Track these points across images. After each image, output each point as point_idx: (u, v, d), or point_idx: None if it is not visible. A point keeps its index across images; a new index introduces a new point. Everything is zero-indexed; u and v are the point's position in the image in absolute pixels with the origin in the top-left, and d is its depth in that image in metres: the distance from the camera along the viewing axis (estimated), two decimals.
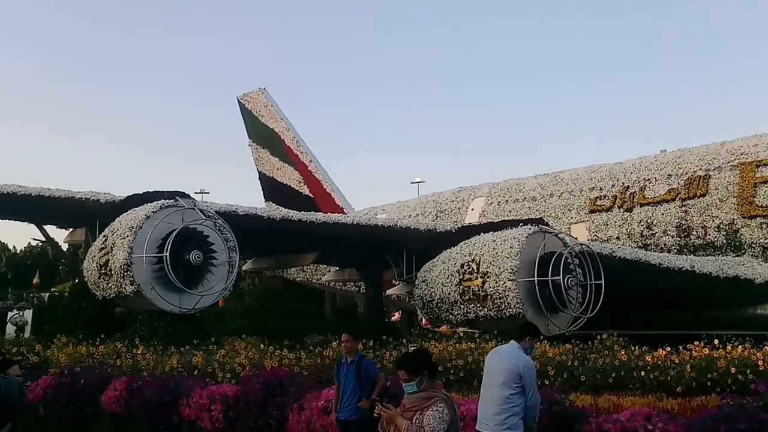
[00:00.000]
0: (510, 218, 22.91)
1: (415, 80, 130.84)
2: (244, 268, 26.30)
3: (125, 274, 16.13)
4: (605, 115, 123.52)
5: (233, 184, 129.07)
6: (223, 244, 17.24)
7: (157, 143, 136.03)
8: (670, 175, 23.57)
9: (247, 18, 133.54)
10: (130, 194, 18.48)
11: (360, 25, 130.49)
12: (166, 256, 16.18)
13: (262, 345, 15.88)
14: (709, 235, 21.93)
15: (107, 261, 16.68)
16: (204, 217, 17.19)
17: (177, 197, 17.52)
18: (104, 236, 17.25)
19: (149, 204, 17.08)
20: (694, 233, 22.26)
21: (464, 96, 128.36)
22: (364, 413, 7.71)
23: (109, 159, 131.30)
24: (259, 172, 39.70)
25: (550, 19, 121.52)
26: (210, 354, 13.83)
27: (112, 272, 16.49)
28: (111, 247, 16.68)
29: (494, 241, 17.97)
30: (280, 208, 28.63)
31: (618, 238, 23.71)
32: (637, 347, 13.49)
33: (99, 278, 17.03)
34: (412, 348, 6.77)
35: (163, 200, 17.20)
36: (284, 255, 24.60)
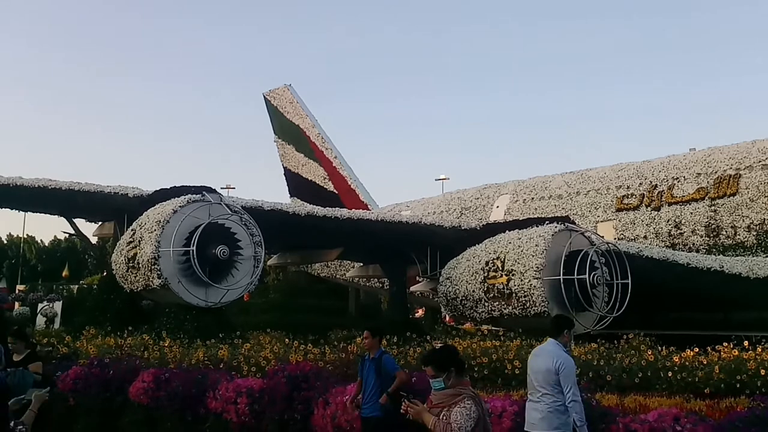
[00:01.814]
0: (536, 216, 22.76)
1: (441, 77, 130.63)
2: (269, 263, 26.46)
3: (153, 267, 16.32)
4: (633, 113, 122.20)
5: (259, 179, 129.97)
6: (249, 239, 17.37)
7: (184, 138, 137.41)
8: (699, 173, 23.25)
9: (274, 14, 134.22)
10: (158, 189, 18.69)
11: (385, 22, 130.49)
12: (192, 250, 16.34)
13: (286, 339, 15.98)
14: (739, 235, 21.60)
15: (135, 254, 16.88)
16: (230, 212, 17.33)
17: (204, 192, 17.68)
18: (132, 230, 17.47)
19: (176, 198, 17.26)
20: (724, 233, 21.94)
21: (490, 93, 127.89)
22: (386, 409, 7.72)
23: (137, 154, 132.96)
24: (285, 168, 39.88)
25: (577, 19, 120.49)
26: (235, 348, 13.94)
27: (140, 266, 16.69)
28: (139, 241, 16.88)
29: (519, 239, 17.88)
30: (305, 203, 28.74)
31: (645, 237, 23.45)
32: (664, 347, 13.36)
33: (127, 271, 17.25)
34: (439, 345, 6.75)
35: (190, 195, 17.37)
36: (309, 250, 24.70)
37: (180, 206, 16.84)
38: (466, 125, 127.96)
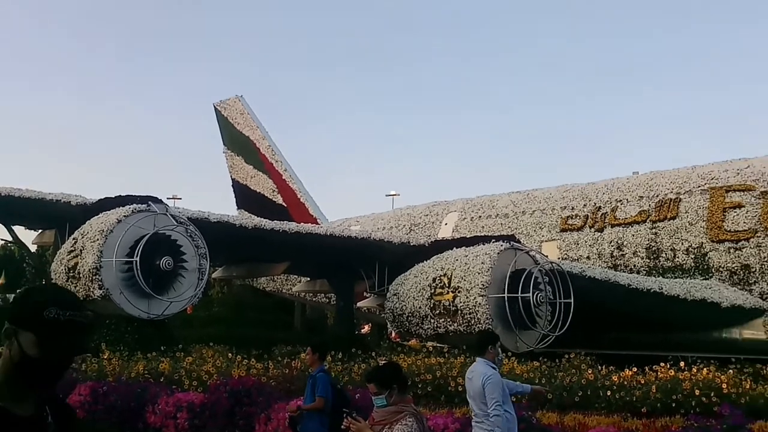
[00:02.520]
0: (483, 234, 23.04)
1: (393, 93, 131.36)
2: (214, 275, 26.08)
3: (94, 277, 15.92)
4: (580, 135, 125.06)
5: (206, 190, 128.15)
6: (194, 251, 17.10)
7: (130, 147, 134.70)
8: (641, 197, 23.91)
9: (225, 25, 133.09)
10: (102, 197, 18.27)
11: (338, 37, 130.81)
12: (136, 261, 16.00)
13: (230, 353, 15.77)
14: (678, 257, 22.26)
15: (76, 264, 16.45)
16: (176, 223, 17.05)
17: (149, 202, 17.35)
18: (74, 239, 17.02)
19: (121, 208, 16.90)
20: (664, 255, 22.58)
21: (443, 110, 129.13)
22: (295, 419, 7.75)
23: (80, 162, 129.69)
24: (233, 180, 39.47)
25: (526, 36, 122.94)
26: (177, 361, 13.69)
27: (81, 275, 16.26)
28: (80, 250, 16.46)
29: (466, 256, 18.06)
30: (253, 216, 28.46)
31: (588, 257, 23.95)
32: (604, 367, 13.63)
33: (67, 281, 16.77)
34: (383, 361, 6.76)
35: (135, 205, 17.03)
36: (255, 264, 24.44)
37: (124, 216, 16.50)
38: (418, 141, 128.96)
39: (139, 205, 17.04)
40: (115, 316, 17.10)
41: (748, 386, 12.26)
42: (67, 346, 2.12)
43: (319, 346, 8.29)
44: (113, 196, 18.06)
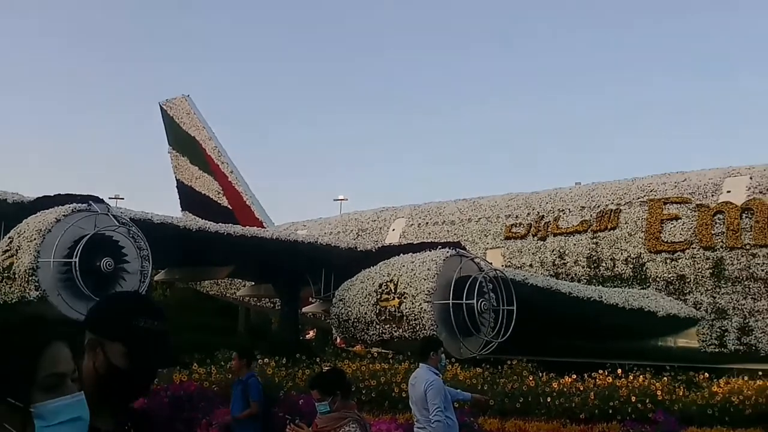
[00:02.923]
0: (429, 240, 23.21)
1: (341, 96, 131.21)
2: (156, 278, 25.57)
3: (30, 278, 15.42)
4: (524, 144, 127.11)
5: (150, 191, 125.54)
6: (136, 253, 16.74)
7: (69, 145, 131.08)
8: (583, 207, 24.48)
9: (173, 25, 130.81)
10: (41, 196, 17.74)
11: (288, 41, 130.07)
12: (75, 262, 15.57)
13: None
14: (617, 267, 22.85)
15: (11, 264, 15.91)
16: (117, 224, 16.66)
17: (90, 202, 16.92)
18: (9, 238, 16.47)
19: (60, 207, 16.42)
20: (604, 265, 23.15)
21: (392, 114, 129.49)
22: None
23: (18, 159, 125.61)
24: (178, 181, 38.80)
25: (475, 42, 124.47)
26: None
27: (16, 276, 15.74)
28: (16, 250, 15.93)
29: (413, 262, 18.17)
30: (197, 218, 28.01)
31: (531, 265, 24.37)
32: (544, 373, 13.88)
33: (1, 282, 16.23)
34: (326, 367, 6.76)
35: (75, 204, 16.57)
36: (199, 267, 24.06)
37: (64, 215, 16.04)
38: (367, 146, 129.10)
39: (80, 205, 16.60)
40: (53, 319, 16.57)
41: (681, 393, 12.66)
42: (157, 357, 2.04)
43: (246, 352, 8.26)
44: (52, 195, 17.55)
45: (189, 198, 37.87)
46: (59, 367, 1.69)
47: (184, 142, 38.19)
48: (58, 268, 15.65)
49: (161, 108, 39.23)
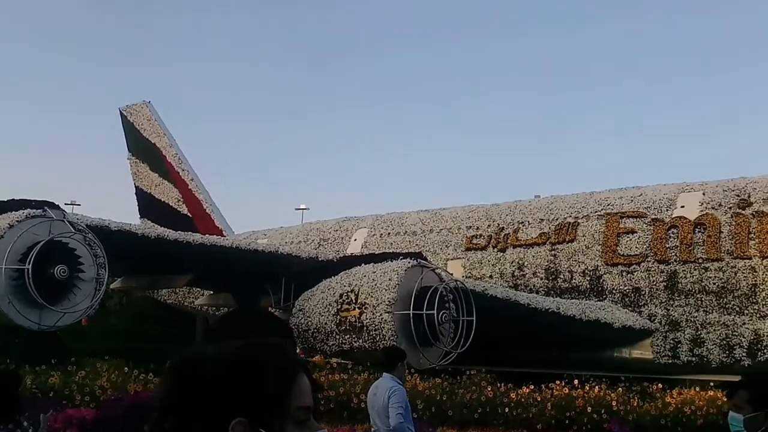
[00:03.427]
0: (391, 251, 23.26)
1: (302, 106, 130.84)
2: (112, 286, 25.10)
3: None
4: (488, 157, 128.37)
5: (108, 197, 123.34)
6: (92, 260, 16.44)
7: (26, 150, 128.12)
8: (542, 219, 24.81)
9: (134, 29, 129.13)
10: None
11: (247, 49, 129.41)
12: (28, 268, 15.22)
13: (126, 368, 15.20)
14: (575, 279, 23.20)
15: None
16: (73, 231, 16.36)
17: (45, 207, 16.59)
18: None
19: (14, 212, 16.06)
20: (562, 277, 23.47)
21: (356, 125, 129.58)
22: None
23: None
24: (137, 187, 38.22)
25: (434, 47, 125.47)
26: (69, 375, 13.07)
27: None
28: None
29: (374, 272, 18.17)
30: (156, 226, 27.64)
31: (491, 276, 24.58)
32: (503, 384, 13.98)
33: None
34: None
35: (29, 210, 16.24)
36: (157, 275, 23.70)
37: (17, 221, 15.69)
38: (329, 155, 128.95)
39: (35, 211, 16.27)
40: (3, 326, 16.16)
41: (635, 404, 12.88)
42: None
43: None
44: (5, 200, 17.16)
45: (148, 205, 37.34)
46: (305, 401, 1.53)
47: (144, 149, 37.68)
48: (10, 274, 15.30)
49: (121, 113, 38.66)
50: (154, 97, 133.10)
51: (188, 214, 35.98)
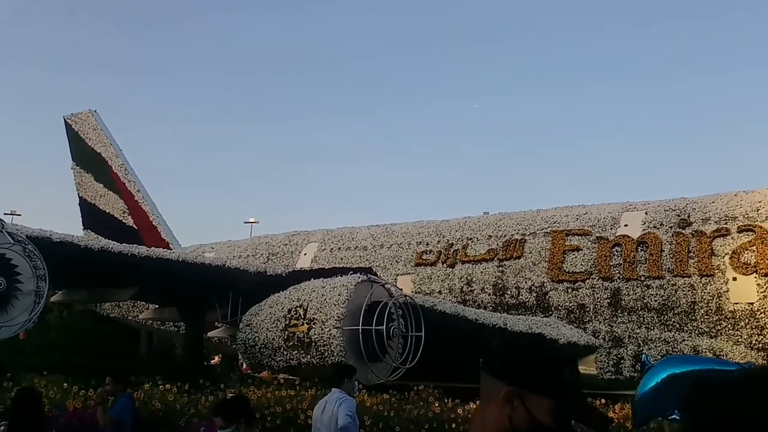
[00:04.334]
0: (341, 266, 23.20)
1: (257, 117, 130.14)
2: (53, 299, 24.37)
3: None
4: (436, 172, 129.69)
5: (50, 208, 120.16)
6: (32, 272, 15.93)
7: None
8: (490, 236, 25.12)
9: (80, 37, 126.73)
10: None
11: (193, 59, 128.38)
12: None
13: (65, 384, 14.76)
14: (521, 295, 23.52)
15: None
16: (12, 242, 15.83)
17: None
18: None
19: None
20: (509, 293, 23.77)
21: (306, 138, 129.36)
22: None
23: None
24: (81, 198, 37.34)
25: (378, 56, 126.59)
26: (4, 391, 12.61)
27: None
28: None
29: (323, 287, 18.08)
30: (100, 237, 27.01)
31: (440, 292, 24.74)
32: (450, 400, 14.03)
33: None
34: (230, 394, 6.69)
35: None
36: (100, 288, 23.10)
37: None
38: (279, 169, 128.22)
39: None
40: None
41: None
42: (578, 414, 1.81)
43: (121, 375, 8.28)
44: None
45: (92, 216, 36.51)
46: None
47: (88, 158, 36.88)
48: None
49: (65, 122, 37.80)
50: (100, 105, 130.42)
51: (134, 226, 35.30)
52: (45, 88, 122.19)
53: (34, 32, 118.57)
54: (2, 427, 6.31)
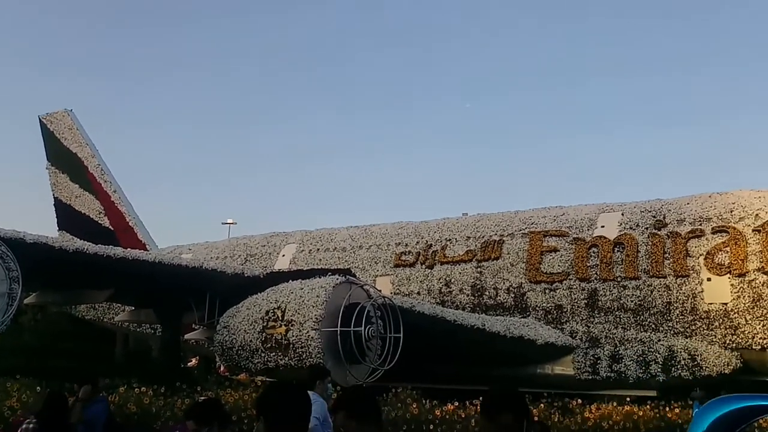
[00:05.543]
0: (320, 267, 23.14)
1: (234, 117, 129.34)
2: (26, 301, 24.04)
3: None
4: (416, 174, 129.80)
5: (24, 208, 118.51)
6: (5, 274, 15.70)
7: None
8: (469, 237, 25.20)
9: (51, 37, 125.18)
10: None
11: (171, 60, 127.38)
12: None
13: (39, 387, 14.56)
14: (500, 296, 23.61)
15: None
16: None
17: None
18: None
19: None
20: (487, 293, 23.86)
21: (284, 138, 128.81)
22: None
23: None
24: (56, 199, 36.90)
25: (355, 62, 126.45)
26: None
27: None
28: None
29: (302, 289, 18.00)
30: (75, 239, 26.72)
31: (419, 293, 24.76)
32: (428, 401, 14.05)
33: None
34: (203, 398, 6.69)
35: None
36: (75, 290, 22.79)
37: None
38: (258, 169, 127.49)
39: None
40: None
41: (556, 419, 13.16)
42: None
43: (88, 379, 8.42)
44: None
45: (67, 217, 36.10)
46: None
47: (64, 158, 36.47)
48: None
49: (41, 121, 37.35)
50: (76, 105, 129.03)
51: (110, 227, 34.96)
52: (19, 87, 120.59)
53: (8, 30, 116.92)
54: (31, 425, 6.61)
